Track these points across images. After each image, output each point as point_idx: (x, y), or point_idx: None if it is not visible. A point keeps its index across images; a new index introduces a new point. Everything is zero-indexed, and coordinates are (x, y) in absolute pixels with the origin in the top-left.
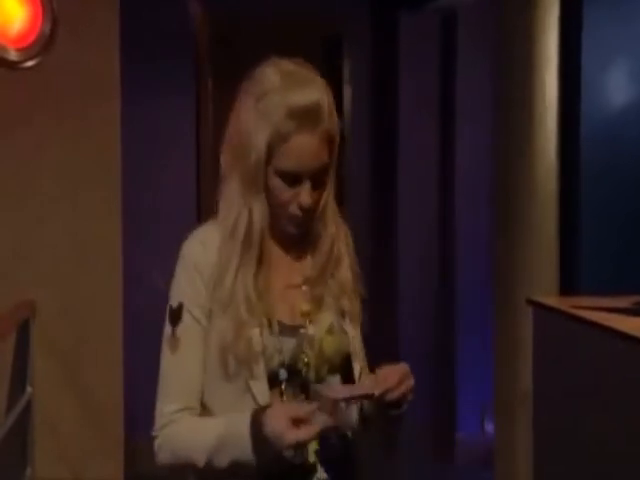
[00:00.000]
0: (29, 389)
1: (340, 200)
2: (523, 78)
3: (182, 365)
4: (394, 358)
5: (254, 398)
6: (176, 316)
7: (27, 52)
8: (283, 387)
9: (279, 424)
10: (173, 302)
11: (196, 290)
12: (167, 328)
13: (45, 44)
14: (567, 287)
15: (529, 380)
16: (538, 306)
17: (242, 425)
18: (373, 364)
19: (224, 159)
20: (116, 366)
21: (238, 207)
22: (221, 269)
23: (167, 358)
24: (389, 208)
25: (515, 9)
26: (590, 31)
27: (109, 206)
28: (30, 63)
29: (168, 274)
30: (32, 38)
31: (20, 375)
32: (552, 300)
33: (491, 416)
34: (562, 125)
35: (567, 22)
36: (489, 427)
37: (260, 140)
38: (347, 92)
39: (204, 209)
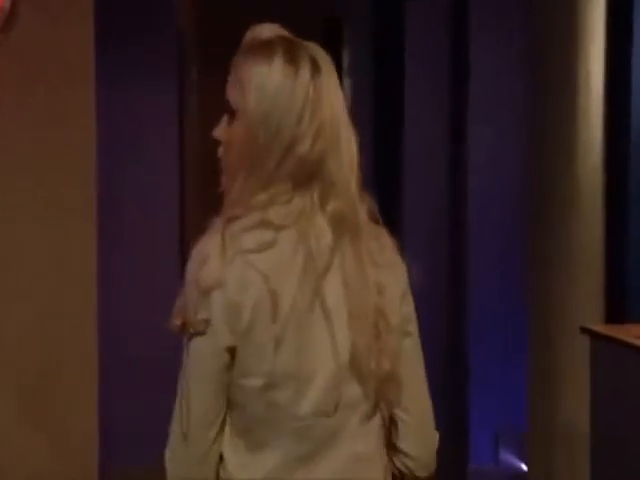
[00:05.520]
0: None
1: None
2: (564, 64)
3: None
4: None
5: None
6: None
7: None
8: None
9: None
10: None
11: None
12: None
13: (5, 20)
14: (615, 313)
15: (567, 412)
16: (594, 335)
17: None
18: None
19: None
20: (90, 395)
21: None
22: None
23: None
24: (394, 209)
25: None
26: None
27: (83, 204)
28: None
29: None
30: None
31: None
32: (607, 328)
33: (506, 444)
34: (609, 119)
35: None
36: (504, 456)
37: None
38: (347, 83)
39: (187, 207)
